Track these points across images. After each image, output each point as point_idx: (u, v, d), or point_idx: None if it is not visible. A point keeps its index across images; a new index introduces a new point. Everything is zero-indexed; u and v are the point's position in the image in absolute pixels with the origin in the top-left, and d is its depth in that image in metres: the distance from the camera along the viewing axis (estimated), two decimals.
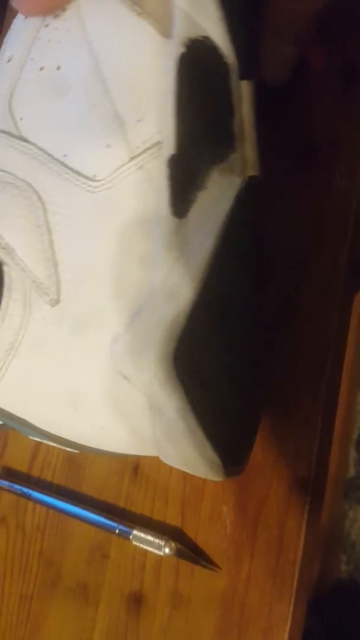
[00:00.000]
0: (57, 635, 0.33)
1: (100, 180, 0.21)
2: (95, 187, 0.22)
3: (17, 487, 0.34)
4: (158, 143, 0.21)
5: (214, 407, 0.20)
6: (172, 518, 0.32)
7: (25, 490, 0.34)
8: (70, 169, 0.22)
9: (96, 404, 0.22)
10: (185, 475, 0.24)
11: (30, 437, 0.27)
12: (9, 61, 0.24)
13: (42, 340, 0.22)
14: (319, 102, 0.32)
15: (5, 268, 0.22)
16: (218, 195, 0.21)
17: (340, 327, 0.31)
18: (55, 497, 0.33)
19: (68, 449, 0.26)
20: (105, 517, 0.32)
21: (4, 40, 0.26)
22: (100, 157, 0.22)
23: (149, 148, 0.21)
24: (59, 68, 0.23)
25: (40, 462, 0.34)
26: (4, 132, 0.23)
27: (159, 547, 0.31)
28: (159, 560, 0.32)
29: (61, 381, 0.23)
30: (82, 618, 0.33)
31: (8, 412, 0.25)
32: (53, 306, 0.22)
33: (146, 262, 0.21)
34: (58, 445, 0.26)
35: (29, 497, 0.34)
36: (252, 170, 0.22)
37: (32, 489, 0.34)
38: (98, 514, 0.33)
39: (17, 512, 0.35)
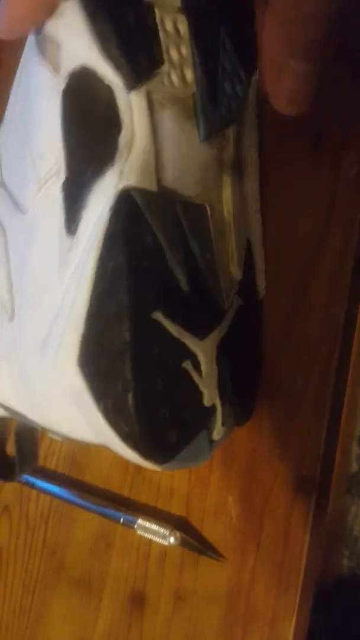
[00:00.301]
0: (60, 625, 0.33)
1: (27, 212, 0.24)
2: (25, 218, 0.24)
3: None
4: (56, 172, 0.23)
5: (122, 400, 0.22)
6: (177, 508, 0.32)
7: (29, 478, 0.34)
8: (17, 203, 0.25)
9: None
10: None
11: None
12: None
13: (8, 352, 0.25)
14: (326, 90, 0.31)
15: None
16: (98, 210, 0.23)
17: (347, 322, 0.31)
18: (59, 486, 0.33)
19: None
20: (110, 507, 0.32)
21: None
22: (25, 191, 0.25)
23: (50, 177, 0.24)
24: (22, 114, 0.26)
25: (44, 450, 0.34)
26: None
27: (164, 537, 0.31)
28: (164, 550, 0.32)
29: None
30: (86, 608, 0.33)
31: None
32: (9, 322, 0.25)
33: (51, 281, 0.23)
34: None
35: (32, 486, 0.34)
36: (129, 180, 0.23)
37: (36, 478, 0.34)
38: (102, 504, 0.32)
39: (21, 500, 0.34)
